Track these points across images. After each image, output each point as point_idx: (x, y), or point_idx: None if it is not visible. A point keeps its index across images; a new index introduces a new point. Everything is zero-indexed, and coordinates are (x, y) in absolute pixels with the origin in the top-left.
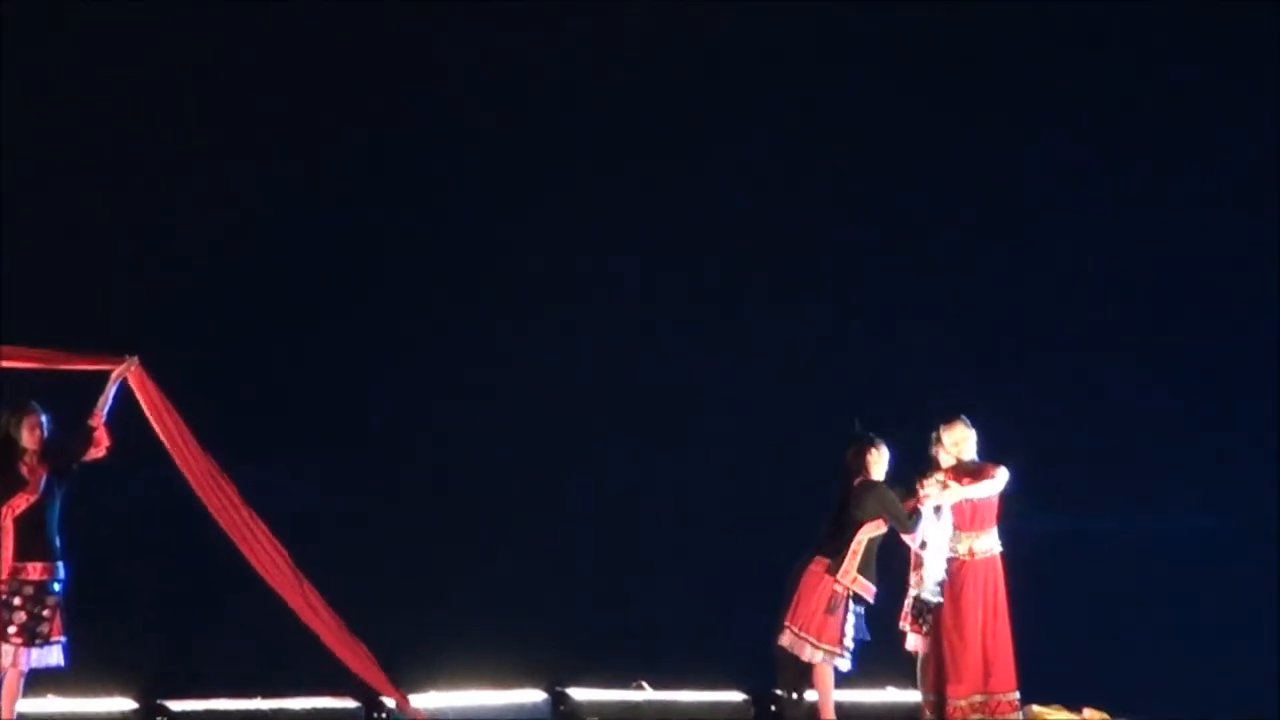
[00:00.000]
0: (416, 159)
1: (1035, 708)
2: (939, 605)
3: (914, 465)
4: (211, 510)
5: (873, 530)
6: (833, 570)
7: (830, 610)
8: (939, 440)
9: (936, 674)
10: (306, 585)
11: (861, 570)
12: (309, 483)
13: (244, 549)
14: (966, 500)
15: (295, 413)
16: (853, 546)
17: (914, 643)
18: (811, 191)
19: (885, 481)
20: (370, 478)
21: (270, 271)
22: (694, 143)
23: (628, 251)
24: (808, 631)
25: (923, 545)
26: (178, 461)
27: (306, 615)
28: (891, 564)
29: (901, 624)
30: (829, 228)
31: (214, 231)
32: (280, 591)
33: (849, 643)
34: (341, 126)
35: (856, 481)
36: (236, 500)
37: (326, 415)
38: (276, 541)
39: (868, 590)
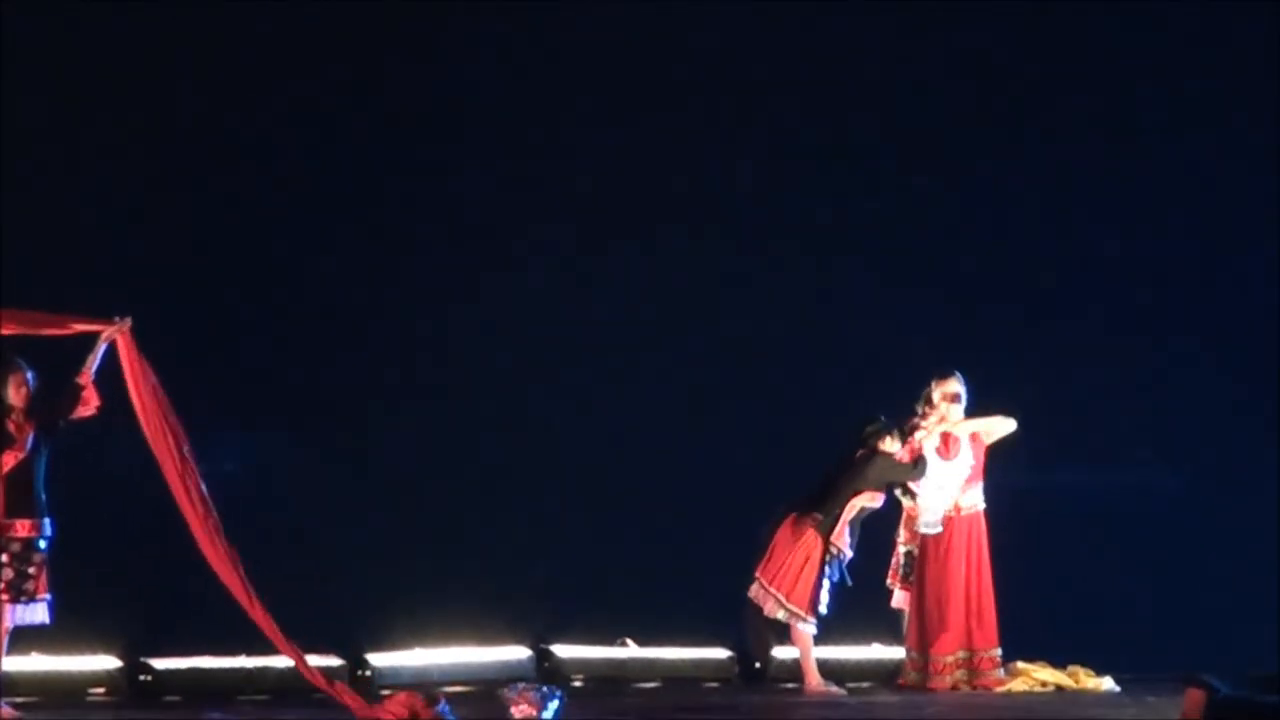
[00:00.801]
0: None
1: (1020, 664)
2: (923, 562)
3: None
4: (166, 476)
5: (866, 500)
6: (823, 529)
7: (810, 567)
8: (930, 394)
9: (921, 630)
10: (235, 554)
11: (848, 534)
12: (302, 446)
13: (186, 514)
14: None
15: (287, 376)
16: (846, 511)
17: (899, 599)
18: (811, 153)
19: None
20: (355, 439)
21: (249, 241)
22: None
23: (599, 210)
24: (778, 588)
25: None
26: (143, 423)
27: (227, 577)
28: (878, 520)
29: (889, 581)
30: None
31: (208, 216)
32: (211, 562)
33: (822, 609)
34: (339, 93)
35: (860, 453)
36: (191, 470)
37: (315, 378)
38: (212, 508)
39: (848, 552)
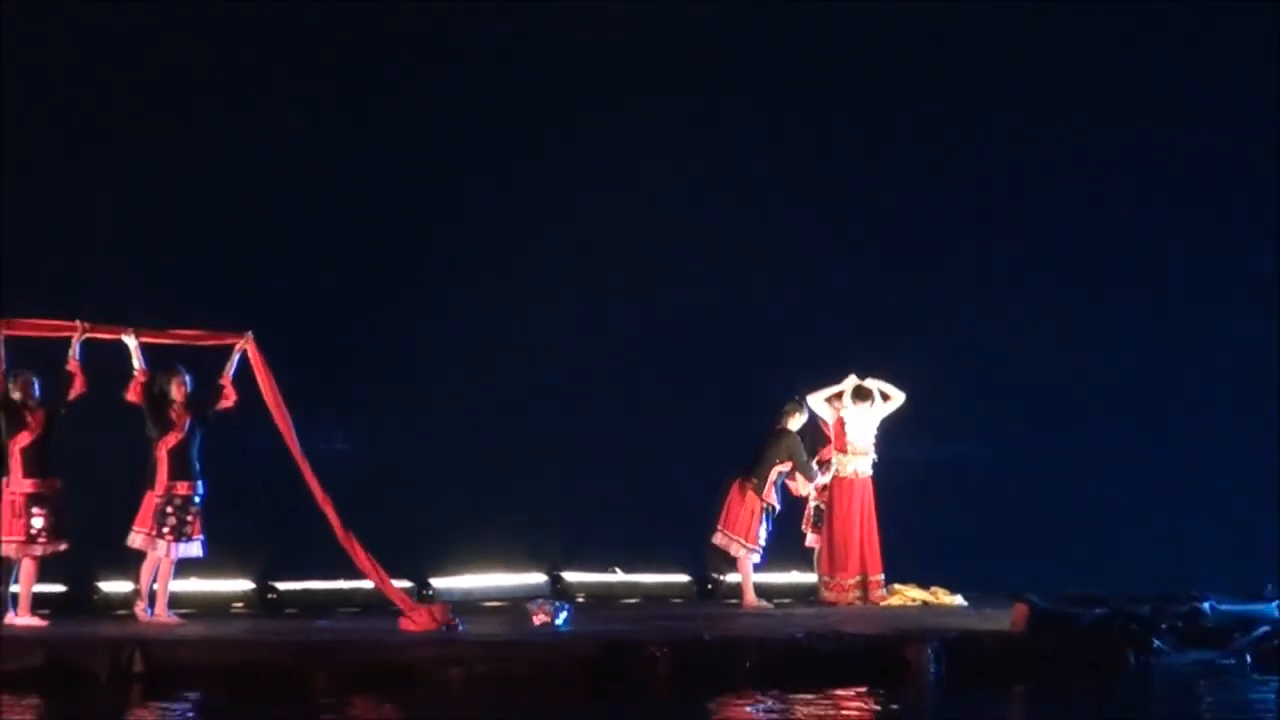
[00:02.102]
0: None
1: (897, 586)
2: (830, 514)
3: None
4: (290, 449)
5: (781, 466)
6: (757, 490)
7: (754, 518)
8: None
9: (829, 562)
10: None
11: (774, 491)
12: (381, 430)
13: (306, 476)
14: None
15: (373, 378)
16: (770, 475)
17: (811, 540)
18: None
19: (798, 433)
20: (418, 424)
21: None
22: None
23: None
24: (735, 533)
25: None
26: (272, 411)
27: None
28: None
29: (804, 528)
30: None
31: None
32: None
33: (763, 542)
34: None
35: (776, 427)
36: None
37: (393, 380)
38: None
39: (776, 505)
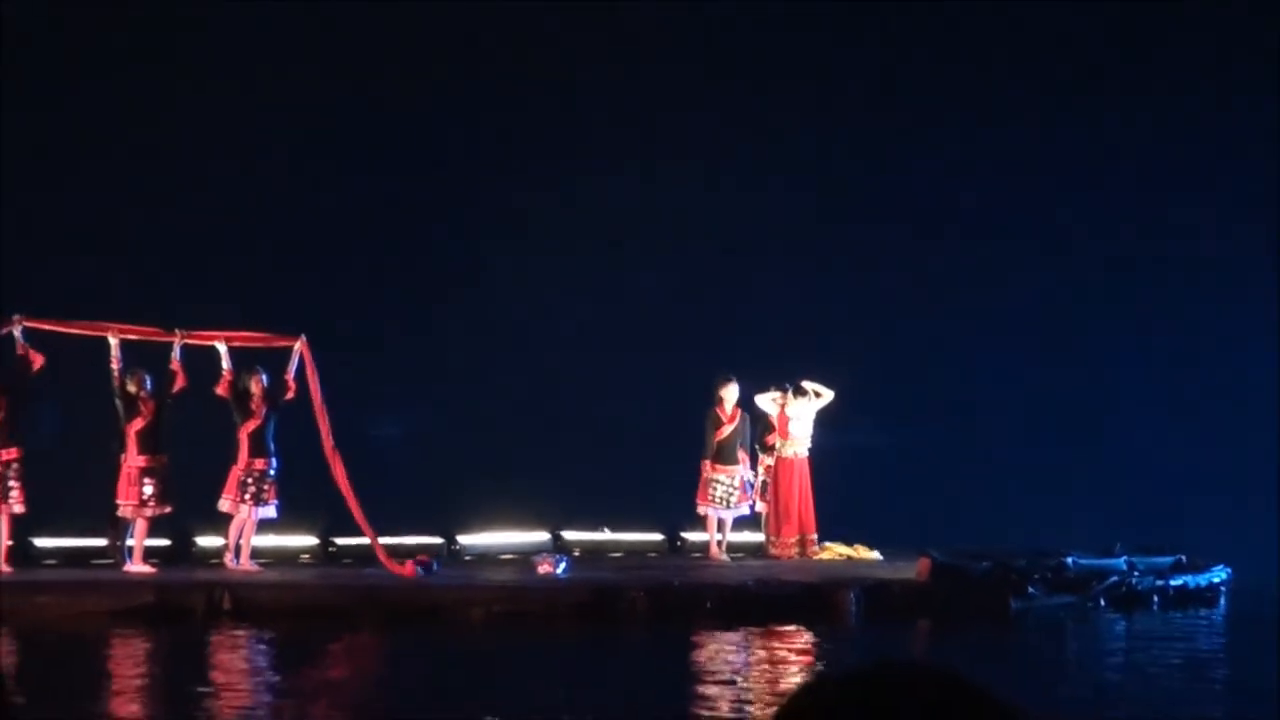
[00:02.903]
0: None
1: (828, 544)
2: (775, 486)
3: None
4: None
5: (715, 436)
6: (705, 456)
7: (704, 484)
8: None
9: (774, 524)
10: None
11: (716, 458)
12: (416, 414)
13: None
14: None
15: (410, 373)
16: (712, 444)
17: (760, 507)
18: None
19: (717, 407)
20: (447, 409)
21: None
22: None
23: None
24: (698, 499)
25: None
26: (316, 408)
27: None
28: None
29: (754, 497)
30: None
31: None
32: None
33: (717, 501)
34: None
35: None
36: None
37: (428, 374)
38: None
39: (724, 470)
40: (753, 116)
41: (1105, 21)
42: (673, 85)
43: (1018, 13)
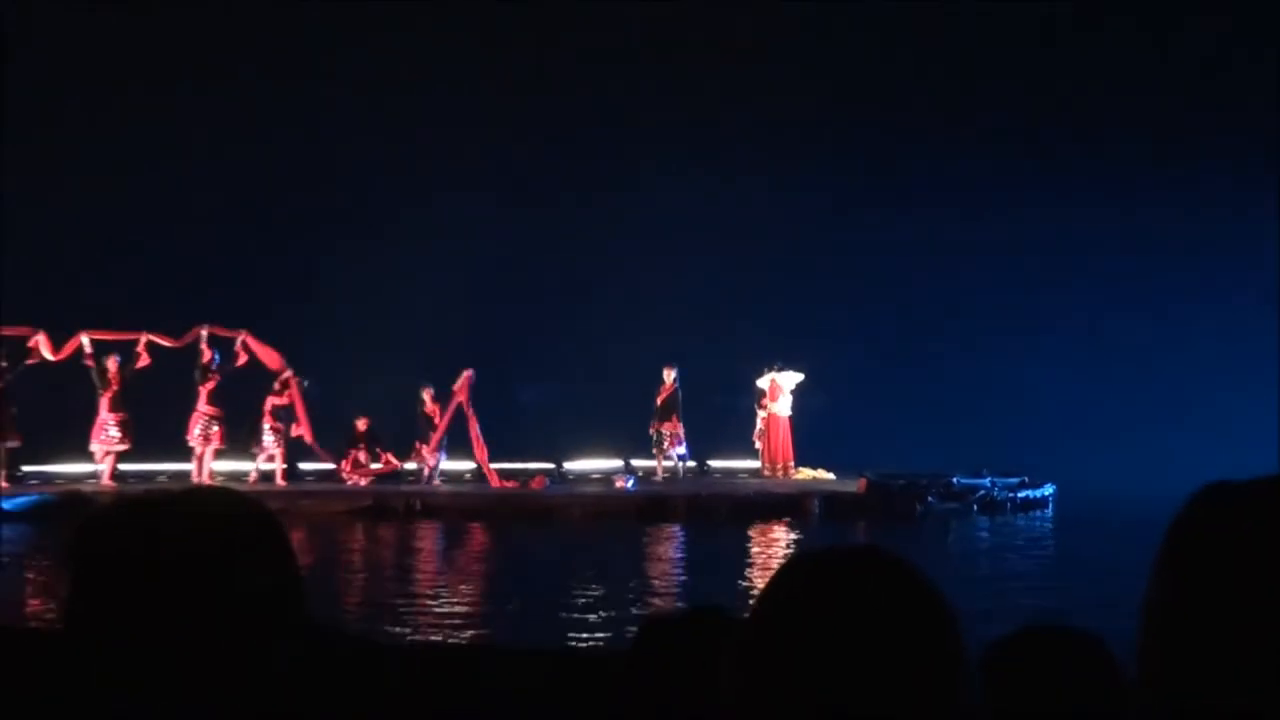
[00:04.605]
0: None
1: (800, 468)
2: (768, 432)
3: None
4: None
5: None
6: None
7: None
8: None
9: (766, 455)
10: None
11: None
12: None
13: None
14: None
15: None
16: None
17: (758, 445)
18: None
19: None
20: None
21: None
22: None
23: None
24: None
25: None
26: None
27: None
28: (748, 421)
29: (753, 438)
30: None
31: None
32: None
33: (675, 454)
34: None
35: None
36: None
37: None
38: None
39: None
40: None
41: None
42: None
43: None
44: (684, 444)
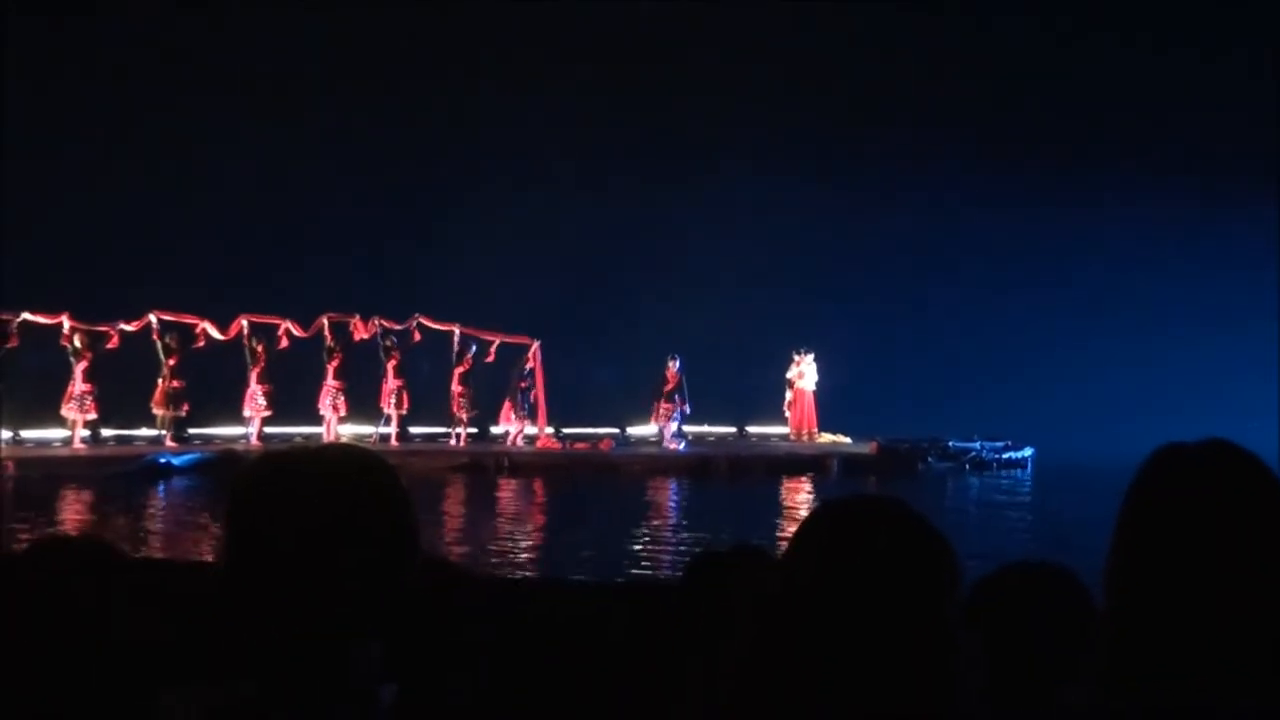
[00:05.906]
0: None
1: (823, 433)
2: (796, 404)
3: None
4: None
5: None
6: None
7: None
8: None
9: (794, 421)
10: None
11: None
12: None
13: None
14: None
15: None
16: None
17: (787, 414)
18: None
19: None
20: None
21: None
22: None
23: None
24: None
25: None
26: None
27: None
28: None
29: (784, 407)
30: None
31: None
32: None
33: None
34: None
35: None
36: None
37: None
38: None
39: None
40: None
41: None
42: None
43: None
44: (679, 421)
